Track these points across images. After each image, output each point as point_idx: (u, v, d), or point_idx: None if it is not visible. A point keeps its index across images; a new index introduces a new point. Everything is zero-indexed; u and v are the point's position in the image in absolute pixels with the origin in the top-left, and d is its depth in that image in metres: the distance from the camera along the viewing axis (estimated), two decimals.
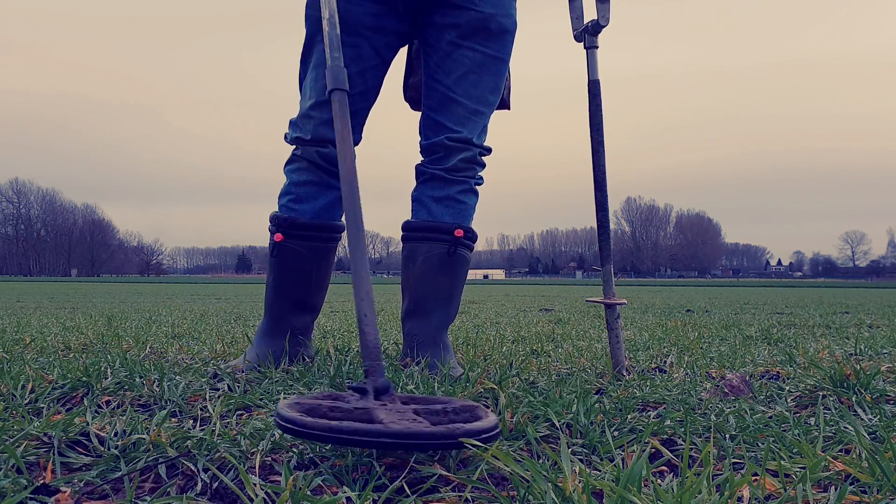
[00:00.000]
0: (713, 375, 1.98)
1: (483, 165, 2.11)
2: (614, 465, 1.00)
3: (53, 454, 1.00)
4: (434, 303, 2.05)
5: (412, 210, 2.11)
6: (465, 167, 2.05)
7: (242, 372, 1.83)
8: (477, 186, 2.12)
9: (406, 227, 2.10)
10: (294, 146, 2.03)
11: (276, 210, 2.07)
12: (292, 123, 2.03)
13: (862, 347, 2.81)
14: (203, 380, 1.71)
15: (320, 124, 1.96)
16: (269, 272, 2.08)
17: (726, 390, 1.69)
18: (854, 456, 1.03)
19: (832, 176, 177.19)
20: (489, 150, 2.10)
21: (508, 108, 2.16)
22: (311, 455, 1.03)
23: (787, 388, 1.73)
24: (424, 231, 2.06)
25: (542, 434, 1.21)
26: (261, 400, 1.46)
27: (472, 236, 2.10)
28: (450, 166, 2.03)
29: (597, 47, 2.01)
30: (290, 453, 1.05)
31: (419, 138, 2.09)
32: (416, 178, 2.11)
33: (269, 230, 2.06)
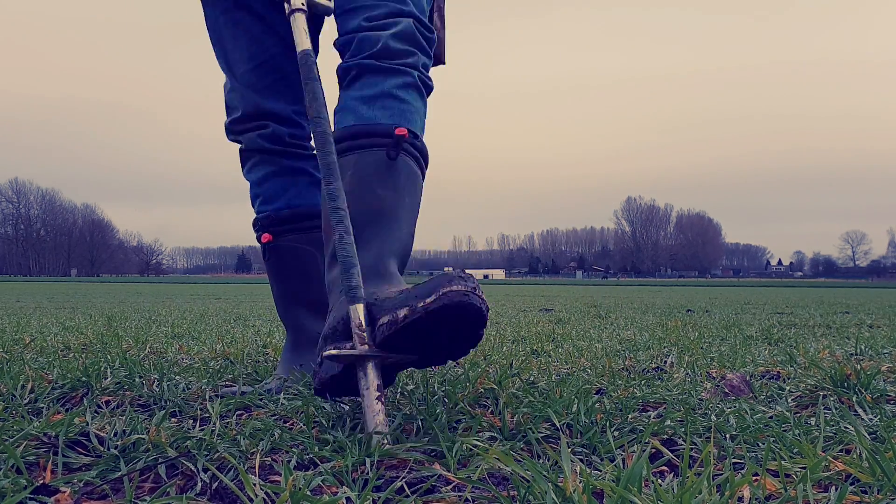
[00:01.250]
0: (713, 375, 1.98)
1: (429, 45, 1.54)
2: (615, 465, 1.00)
3: (53, 454, 1.00)
4: (372, 225, 1.40)
5: (335, 123, 1.49)
6: (400, 49, 1.48)
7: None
8: (425, 85, 1.53)
9: None
10: (239, 145, 1.80)
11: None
12: (226, 111, 1.78)
13: (862, 347, 2.81)
14: (204, 380, 1.71)
15: (244, 98, 1.72)
16: (271, 280, 1.83)
17: (727, 390, 1.68)
18: (855, 456, 1.03)
19: (832, 176, 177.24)
20: (431, 29, 1.55)
21: (444, 63, 1.71)
22: (311, 455, 1.03)
23: (788, 388, 1.73)
24: (351, 139, 1.44)
25: (542, 434, 1.20)
26: (260, 399, 1.46)
27: (420, 145, 1.48)
28: (379, 50, 1.46)
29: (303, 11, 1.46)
30: (290, 453, 1.04)
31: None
32: (339, 84, 1.52)
33: (256, 235, 1.83)
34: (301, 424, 1.24)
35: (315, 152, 1.69)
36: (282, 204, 1.77)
